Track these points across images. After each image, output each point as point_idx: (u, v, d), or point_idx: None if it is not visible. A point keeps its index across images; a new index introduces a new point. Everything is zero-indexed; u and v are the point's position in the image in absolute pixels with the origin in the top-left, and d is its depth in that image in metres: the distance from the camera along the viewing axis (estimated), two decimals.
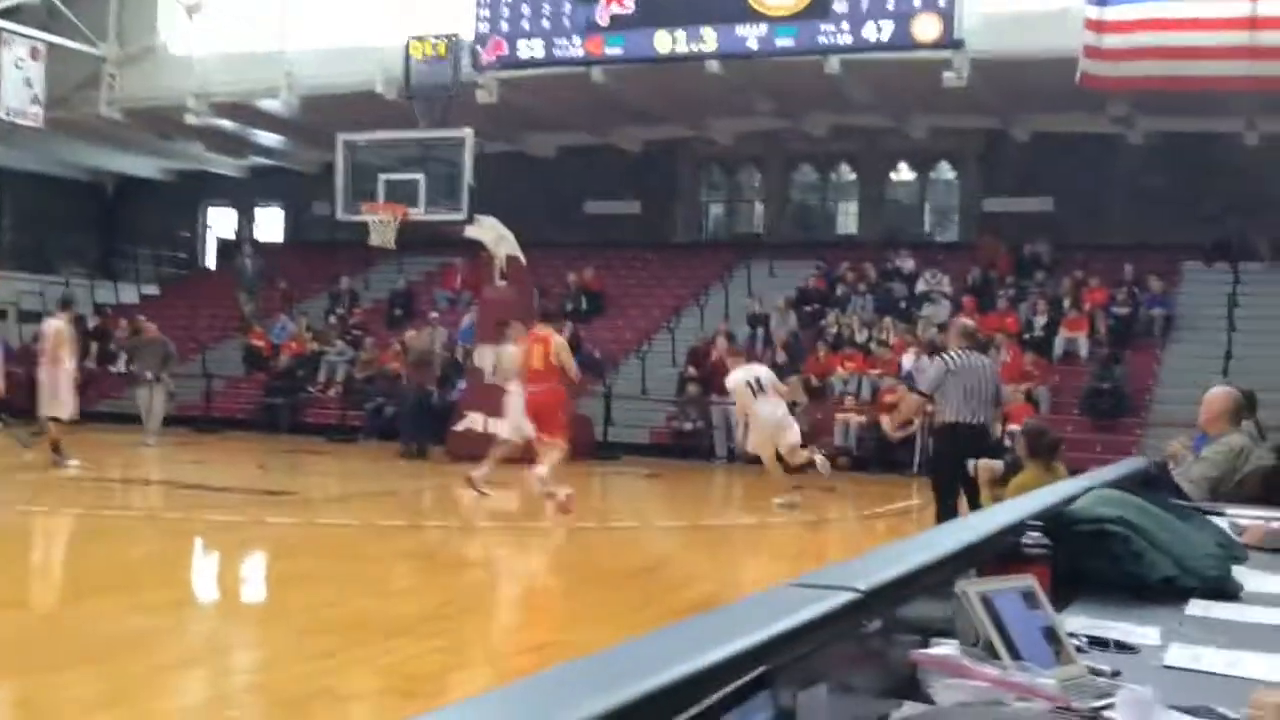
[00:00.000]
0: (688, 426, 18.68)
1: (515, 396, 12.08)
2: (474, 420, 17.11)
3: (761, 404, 12.82)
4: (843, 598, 1.81)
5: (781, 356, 19.36)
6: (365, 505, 12.21)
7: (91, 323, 24.57)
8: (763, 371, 13.51)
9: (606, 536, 11.20)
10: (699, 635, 1.47)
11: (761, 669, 1.31)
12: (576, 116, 23.29)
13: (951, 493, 8.16)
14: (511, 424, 12.12)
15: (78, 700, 4.81)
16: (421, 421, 18.04)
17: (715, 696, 1.18)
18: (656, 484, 15.16)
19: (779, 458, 12.82)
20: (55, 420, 13.71)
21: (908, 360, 18.36)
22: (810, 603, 1.75)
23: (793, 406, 17.72)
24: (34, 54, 21.99)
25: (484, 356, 17.37)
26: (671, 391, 19.52)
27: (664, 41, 19.47)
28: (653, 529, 11.58)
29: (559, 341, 12.06)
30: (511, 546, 10.58)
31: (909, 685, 2.01)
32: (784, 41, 19.09)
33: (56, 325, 14.02)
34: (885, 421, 9.55)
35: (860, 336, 19.73)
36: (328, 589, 7.64)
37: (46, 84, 22.17)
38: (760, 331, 20.70)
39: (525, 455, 12.30)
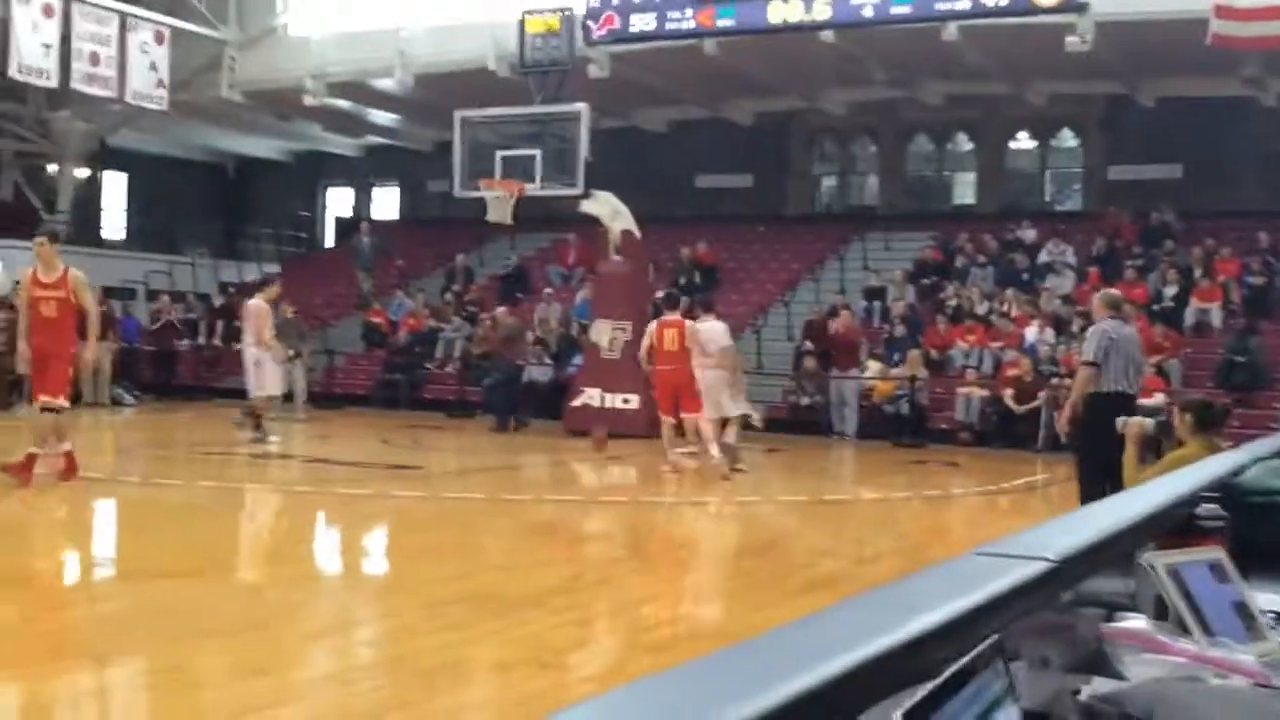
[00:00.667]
0: (805, 401, 18.52)
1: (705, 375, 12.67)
2: (591, 396, 17.19)
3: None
4: (1036, 567, 1.74)
5: (900, 330, 19.09)
6: (488, 479, 12.33)
7: (217, 301, 25.18)
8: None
9: (729, 511, 11.17)
10: (900, 603, 1.41)
11: (993, 638, 1.25)
12: (688, 90, 23.21)
13: (1102, 467, 7.92)
14: (710, 401, 12.69)
15: (226, 668, 4.91)
16: (512, 397, 18.25)
17: (955, 667, 1.13)
18: (775, 459, 15.06)
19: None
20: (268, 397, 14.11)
21: (1030, 333, 17.99)
22: (1004, 572, 1.69)
23: (912, 380, 17.57)
24: (159, 38, 22.53)
25: (600, 332, 17.42)
26: (787, 366, 19.37)
27: (777, 11, 19.25)
28: (775, 504, 11.51)
29: (691, 326, 12.92)
30: (634, 521, 10.58)
31: (1097, 660, 1.94)
32: (900, 9, 18.76)
33: (257, 304, 14.33)
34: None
35: (981, 309, 19.35)
36: (457, 561, 7.73)
37: (170, 68, 22.72)
38: (878, 304, 20.45)
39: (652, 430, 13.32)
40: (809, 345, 19.08)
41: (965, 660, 1.14)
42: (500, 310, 20.52)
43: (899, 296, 20.15)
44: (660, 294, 15.16)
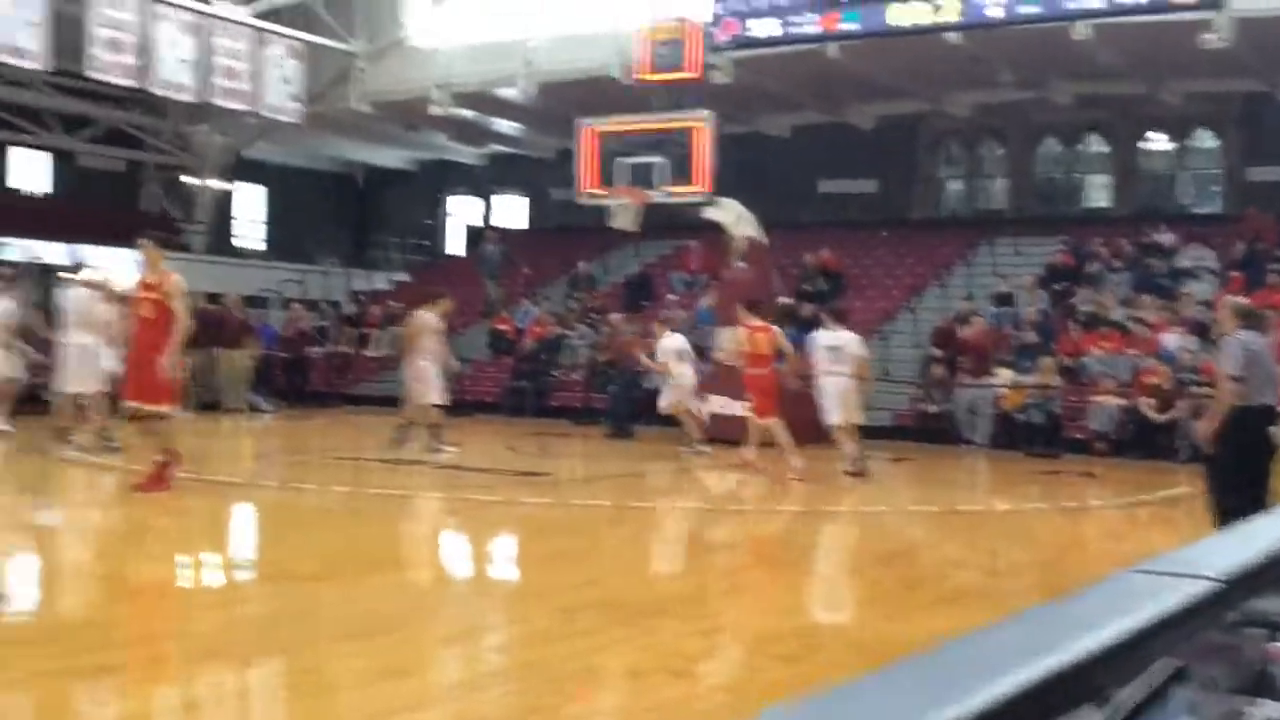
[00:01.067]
0: (932, 409, 18.26)
1: (838, 383, 13.18)
2: (715, 403, 17.14)
3: (685, 369, 15.62)
4: (1201, 587, 1.68)
5: (1031, 336, 18.71)
6: (615, 486, 12.37)
7: (348, 309, 25.74)
8: (684, 342, 15.95)
9: (857, 521, 11.06)
10: (1065, 622, 1.38)
11: (1176, 661, 1.22)
12: (810, 94, 23.09)
13: (1247, 482, 7.62)
14: (838, 408, 13.25)
15: (363, 670, 5.00)
16: (631, 404, 18.30)
17: (1140, 694, 1.10)
18: (903, 468, 14.87)
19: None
20: (436, 406, 14.35)
21: (1171, 340, 17.47)
22: (1166, 591, 1.64)
23: (1045, 388, 17.21)
24: (291, 52, 23.12)
25: (725, 339, 17.40)
26: (914, 373, 19.13)
27: (901, 14, 19.05)
28: (904, 514, 11.36)
29: (779, 332, 13.80)
30: (761, 529, 10.55)
31: (1263, 682, 1.87)
32: (1029, 8, 18.45)
33: (425, 317, 14.63)
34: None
35: (1116, 315, 18.84)
36: (586, 568, 7.78)
37: (302, 80, 23.31)
38: (1007, 310, 20.08)
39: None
40: (937, 352, 18.80)
41: (1154, 683, 1.11)
42: (616, 317, 20.59)
43: (1031, 302, 19.73)
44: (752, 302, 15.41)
